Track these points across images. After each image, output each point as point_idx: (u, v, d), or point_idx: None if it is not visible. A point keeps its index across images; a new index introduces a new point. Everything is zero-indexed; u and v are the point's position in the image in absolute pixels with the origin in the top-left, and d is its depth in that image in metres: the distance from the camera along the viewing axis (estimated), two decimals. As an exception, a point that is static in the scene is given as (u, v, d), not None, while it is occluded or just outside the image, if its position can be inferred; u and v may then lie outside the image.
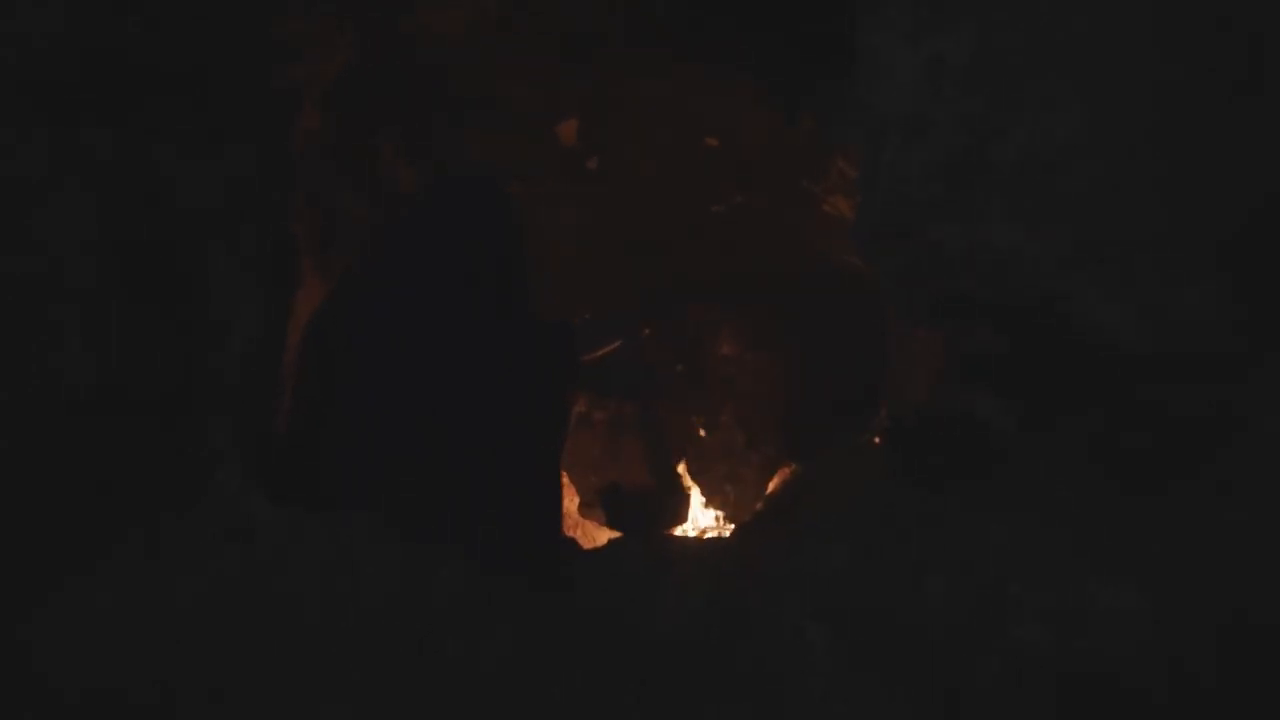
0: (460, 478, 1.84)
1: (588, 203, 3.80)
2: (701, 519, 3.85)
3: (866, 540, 1.91)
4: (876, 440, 2.25)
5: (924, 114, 1.91)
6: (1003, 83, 1.86)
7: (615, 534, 3.26)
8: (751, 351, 5.01)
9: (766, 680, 1.63)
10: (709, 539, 3.01)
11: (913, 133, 1.92)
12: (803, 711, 1.63)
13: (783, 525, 2.22)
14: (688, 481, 3.13)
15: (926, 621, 1.72)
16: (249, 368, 1.87)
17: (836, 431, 3.53)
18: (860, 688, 1.67)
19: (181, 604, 1.60)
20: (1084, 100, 1.84)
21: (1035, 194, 1.88)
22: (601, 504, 2.18)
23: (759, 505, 3.15)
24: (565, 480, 3.55)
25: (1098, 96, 1.83)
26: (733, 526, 3.69)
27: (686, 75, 3.23)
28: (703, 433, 5.10)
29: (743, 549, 1.87)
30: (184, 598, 1.61)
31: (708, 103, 3.30)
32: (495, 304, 2.06)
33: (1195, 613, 1.78)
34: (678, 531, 2.65)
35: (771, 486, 3.23)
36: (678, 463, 4.62)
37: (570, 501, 3.54)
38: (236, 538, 1.68)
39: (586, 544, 3.10)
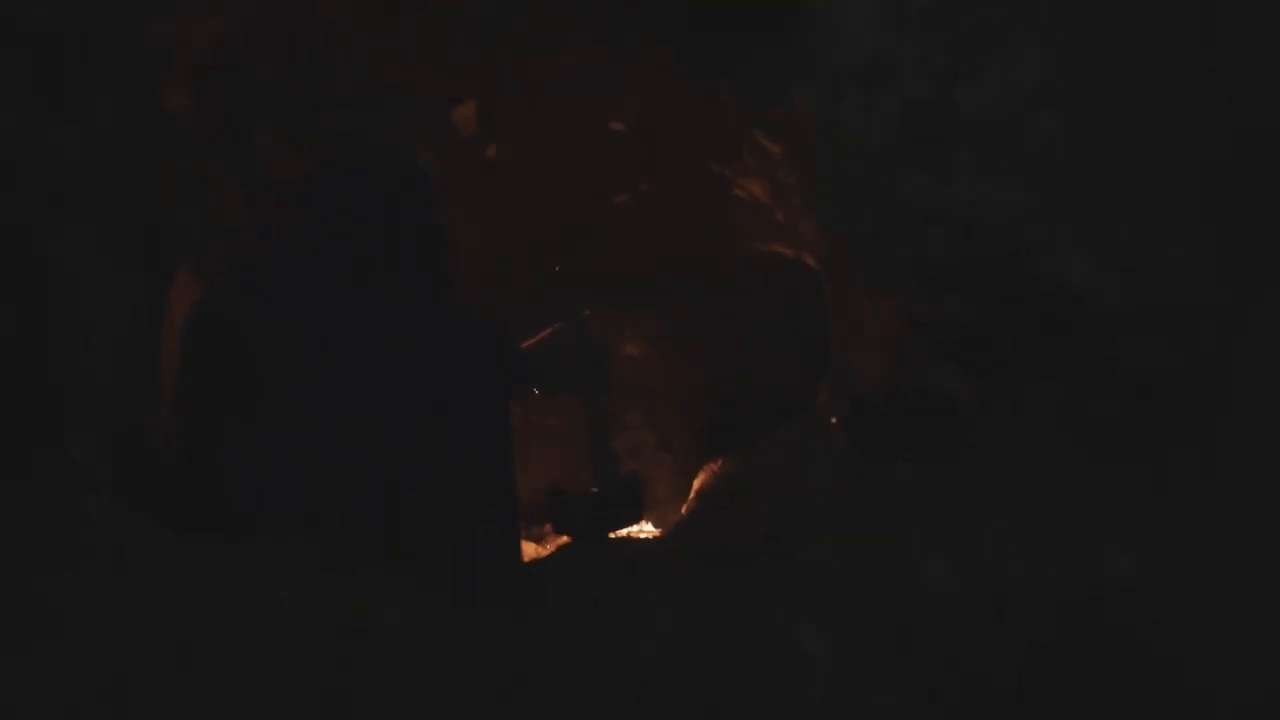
0: (397, 492, 1.55)
1: (485, 195, 3.52)
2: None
3: (843, 530, 1.73)
4: (834, 422, 2.08)
5: (883, 62, 1.75)
6: (966, 25, 1.72)
7: (548, 545, 2.99)
8: (659, 350, 4.82)
9: (766, 692, 1.42)
10: (654, 540, 2.78)
11: (872, 82, 1.76)
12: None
13: (737, 521, 2.02)
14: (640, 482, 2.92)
15: (929, 610, 1.55)
16: (121, 371, 1.53)
17: (764, 423, 3.36)
18: (863, 687, 1.48)
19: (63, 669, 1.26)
20: (1051, 43, 1.71)
21: (1004, 144, 1.74)
22: (547, 508, 1.92)
23: (689, 503, 2.94)
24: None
25: (1065, 39, 1.71)
26: (653, 529, 3.47)
27: (590, 52, 3.01)
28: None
29: (713, 548, 1.65)
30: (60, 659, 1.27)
31: (613, 80, 3.08)
32: (418, 288, 1.78)
33: (1193, 578, 1.68)
34: (625, 533, 2.42)
35: (699, 483, 3.02)
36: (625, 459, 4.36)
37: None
38: (120, 575, 1.35)
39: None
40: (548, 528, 3.08)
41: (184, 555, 1.43)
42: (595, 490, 1.94)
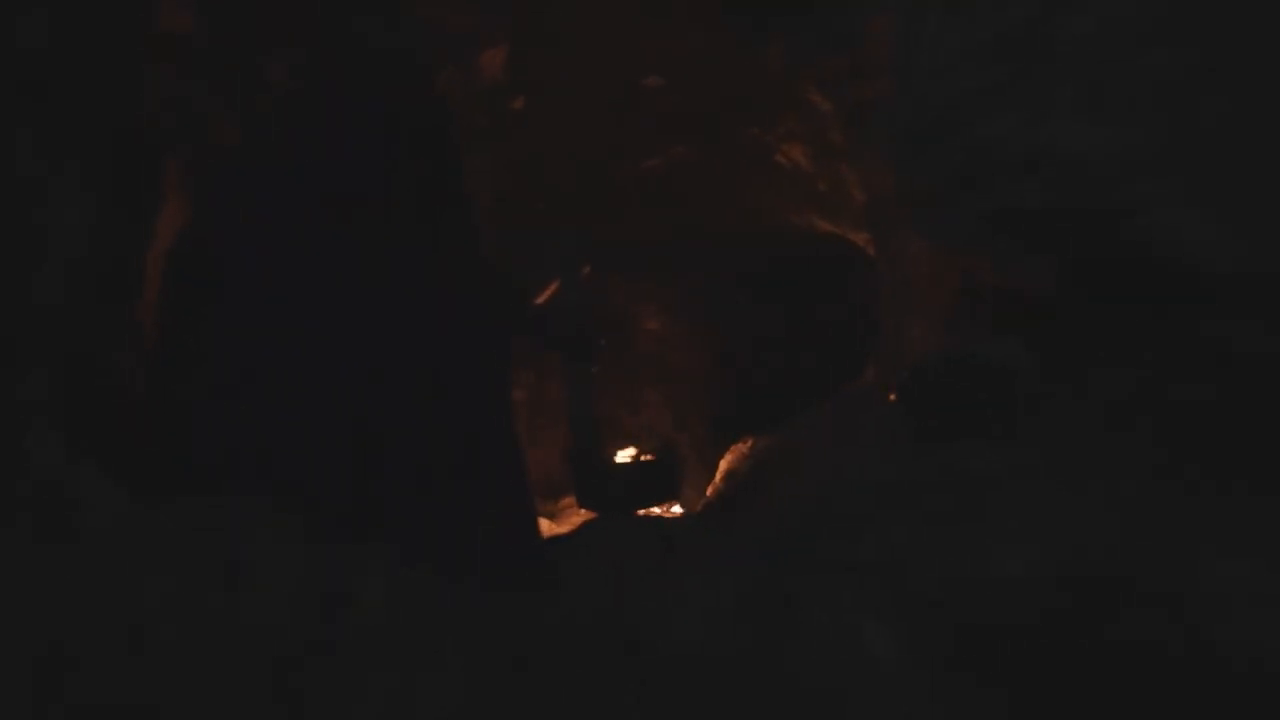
0: (385, 452, 1.31)
1: (508, 147, 3.27)
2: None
3: (910, 511, 1.48)
4: (891, 397, 1.83)
5: (975, -20, 1.49)
6: (1076, -62, 1.45)
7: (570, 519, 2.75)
8: (680, 324, 4.57)
9: (819, 696, 1.17)
10: (695, 516, 2.53)
11: (960, 6, 1.50)
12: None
13: (781, 502, 1.77)
14: (684, 449, 2.63)
15: (1005, 602, 1.30)
16: (77, 296, 1.29)
17: (792, 403, 3.11)
18: (932, 691, 1.24)
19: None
20: (1175, -39, 1.45)
21: (1110, 81, 1.48)
22: (570, 476, 1.66)
23: (715, 483, 2.70)
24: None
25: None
26: (677, 507, 3.22)
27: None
28: (624, 414, 4.64)
29: (759, 529, 1.41)
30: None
31: (651, 31, 2.82)
32: (419, 231, 1.54)
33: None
34: (658, 511, 2.18)
35: (727, 464, 2.78)
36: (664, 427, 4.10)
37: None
38: (56, 536, 1.12)
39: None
40: (565, 501, 2.83)
41: (138, 514, 1.19)
42: (631, 458, 1.68)
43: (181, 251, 1.50)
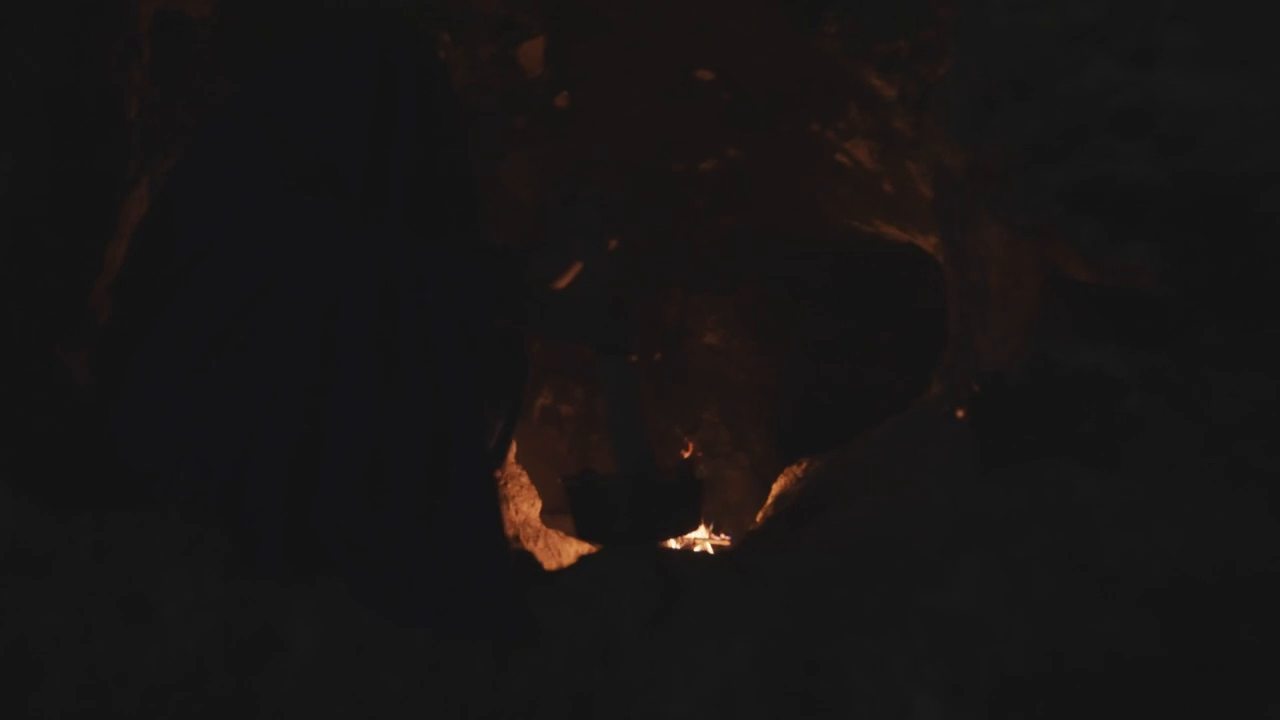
0: (336, 464, 1.08)
1: (551, 149, 3.07)
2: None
3: (983, 553, 1.19)
4: (958, 414, 1.54)
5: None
6: None
7: (587, 548, 2.50)
8: (738, 338, 4.30)
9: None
10: (718, 553, 2.27)
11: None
12: None
13: (828, 535, 1.49)
14: (701, 471, 2.36)
15: (1115, 687, 1.00)
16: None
17: (854, 421, 2.82)
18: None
19: None
20: None
21: (1244, 12, 1.18)
22: (571, 506, 1.39)
23: (766, 509, 2.42)
24: (523, 481, 2.79)
25: None
26: (724, 537, 2.95)
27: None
28: (681, 433, 4.39)
29: (795, 569, 1.14)
30: None
31: (701, 17, 2.59)
32: (409, 202, 1.33)
33: None
34: (675, 544, 1.92)
35: (779, 487, 2.50)
36: (683, 448, 3.87)
37: (531, 507, 2.78)
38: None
39: (549, 563, 2.34)
40: (557, 533, 2.54)
41: (36, 528, 0.99)
42: (640, 479, 1.41)
43: (140, 236, 1.32)
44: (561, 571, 1.13)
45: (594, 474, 1.56)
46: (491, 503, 1.04)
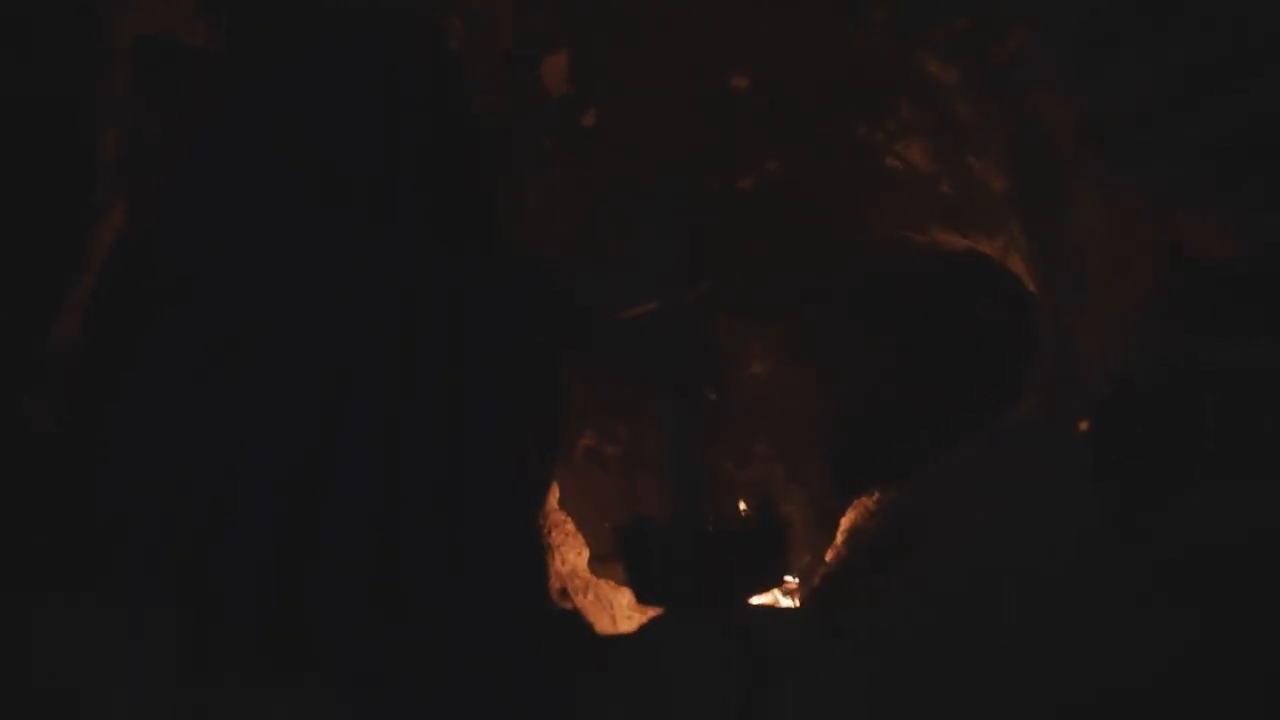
0: (329, 538, 0.88)
1: (580, 173, 2.89)
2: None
3: (1132, 614, 0.95)
4: (1082, 426, 1.30)
5: None
6: None
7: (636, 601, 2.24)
8: (789, 366, 4.06)
9: None
10: (805, 608, 2.02)
11: None
12: None
13: (920, 578, 1.26)
14: (784, 515, 2.08)
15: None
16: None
17: (919, 446, 2.58)
18: None
19: None
20: None
21: None
22: (623, 559, 1.17)
23: (837, 547, 2.18)
24: (568, 528, 2.57)
25: None
26: (793, 580, 2.70)
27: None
28: (733, 469, 4.15)
29: (887, 625, 0.91)
30: None
31: (738, 16, 2.41)
32: (421, 218, 1.14)
33: None
34: (763, 599, 1.65)
35: (849, 521, 2.25)
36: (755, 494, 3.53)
37: (579, 556, 2.56)
38: None
39: (600, 618, 2.11)
40: (608, 582, 2.25)
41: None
42: (708, 530, 1.17)
43: (118, 257, 1.15)
44: (621, 641, 0.91)
45: (647, 521, 1.34)
46: (533, 567, 0.83)
